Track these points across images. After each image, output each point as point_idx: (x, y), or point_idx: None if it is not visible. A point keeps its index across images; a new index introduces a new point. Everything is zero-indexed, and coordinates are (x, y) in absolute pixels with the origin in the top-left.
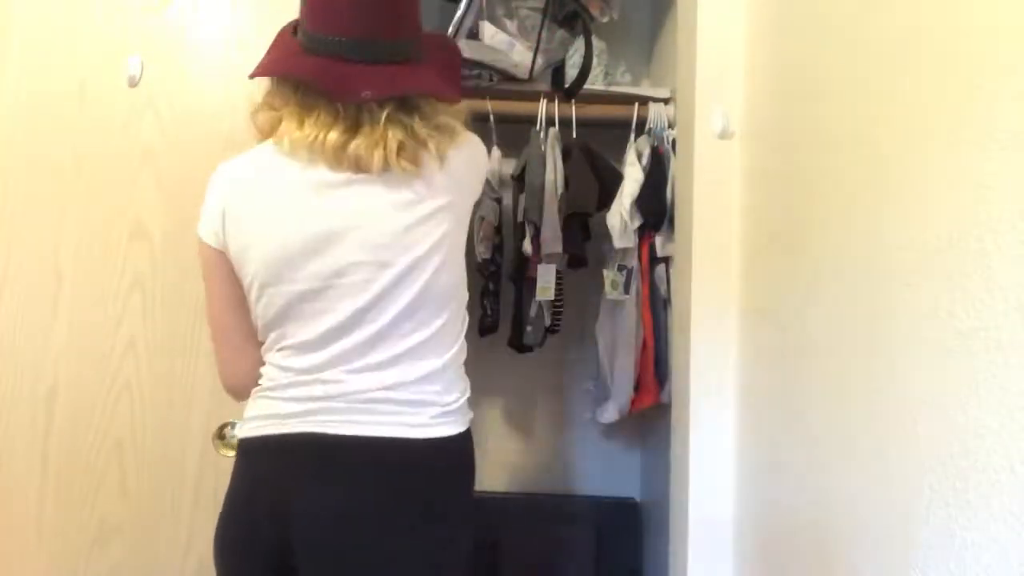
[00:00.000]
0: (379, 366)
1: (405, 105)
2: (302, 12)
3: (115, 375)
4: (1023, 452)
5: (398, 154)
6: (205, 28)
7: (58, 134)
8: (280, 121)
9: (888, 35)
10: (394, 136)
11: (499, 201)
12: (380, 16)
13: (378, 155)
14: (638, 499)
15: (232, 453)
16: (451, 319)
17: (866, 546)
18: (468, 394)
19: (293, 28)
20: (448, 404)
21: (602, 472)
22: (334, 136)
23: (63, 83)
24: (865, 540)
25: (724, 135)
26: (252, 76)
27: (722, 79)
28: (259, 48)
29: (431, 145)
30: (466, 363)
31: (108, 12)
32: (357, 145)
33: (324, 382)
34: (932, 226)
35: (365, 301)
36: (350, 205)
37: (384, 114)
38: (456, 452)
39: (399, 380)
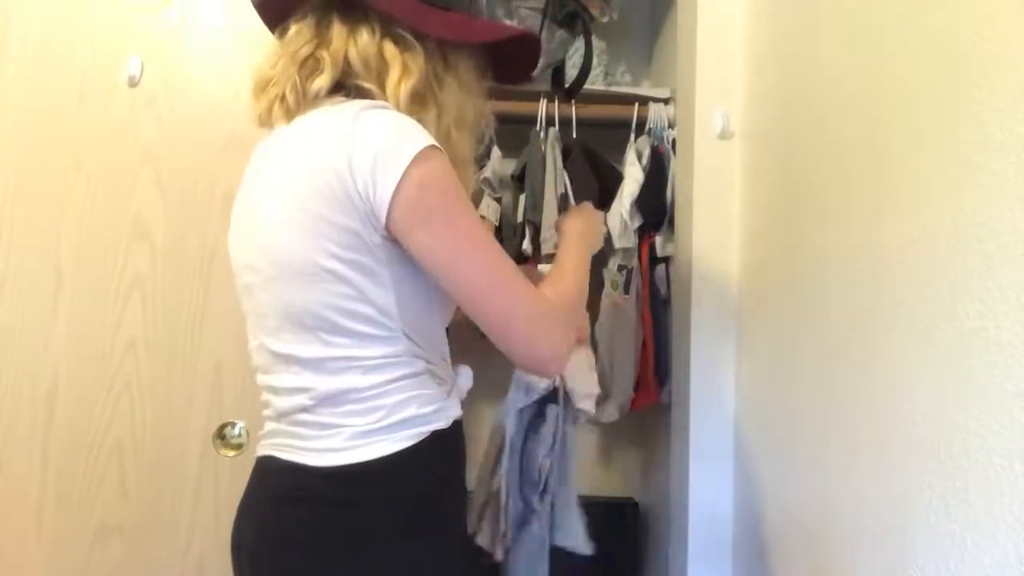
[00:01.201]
0: (283, 394)
1: (319, 26)
2: None
3: (115, 375)
4: (1023, 452)
5: (279, 100)
6: (205, 28)
7: (58, 134)
8: None
9: (888, 35)
10: (279, 66)
11: (499, 201)
12: None
13: (264, 97)
14: (638, 499)
15: (232, 453)
16: (342, 340)
17: (866, 546)
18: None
19: None
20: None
21: (602, 472)
22: (260, 65)
23: (63, 83)
24: (865, 540)
25: (724, 135)
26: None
27: (722, 79)
28: (260, 47)
29: (287, 84)
30: (466, 363)
31: (108, 12)
32: (262, 77)
33: (268, 406)
34: (932, 226)
35: (254, 311)
36: (249, 182)
37: (288, 35)
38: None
39: (297, 405)
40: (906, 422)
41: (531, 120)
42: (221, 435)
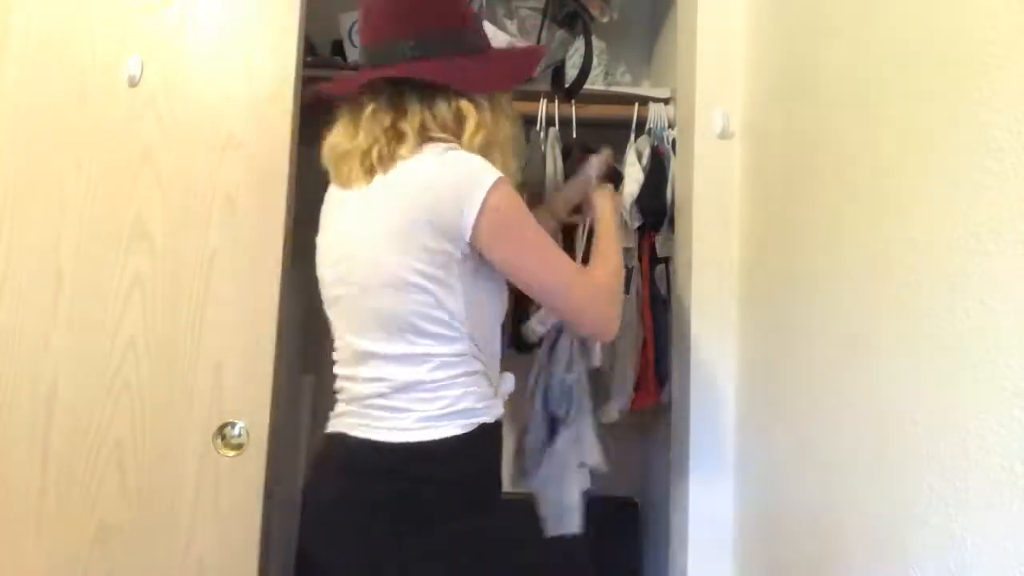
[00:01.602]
0: (363, 384)
1: (392, 102)
2: None
3: (115, 375)
4: (1023, 452)
5: (362, 158)
6: (205, 28)
7: (58, 134)
8: None
9: (888, 35)
10: (365, 139)
11: None
12: (393, 17)
13: (353, 161)
14: (638, 499)
15: (232, 453)
16: (422, 340)
17: (866, 546)
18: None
19: None
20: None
21: (602, 472)
22: (337, 140)
23: (63, 83)
24: (865, 540)
25: (724, 135)
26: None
27: (722, 79)
28: (259, 47)
29: (373, 150)
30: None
31: (108, 12)
32: (344, 150)
33: (344, 391)
34: (932, 226)
35: (345, 318)
36: (339, 219)
37: (366, 113)
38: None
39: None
40: (906, 422)
41: (532, 120)
42: (221, 435)
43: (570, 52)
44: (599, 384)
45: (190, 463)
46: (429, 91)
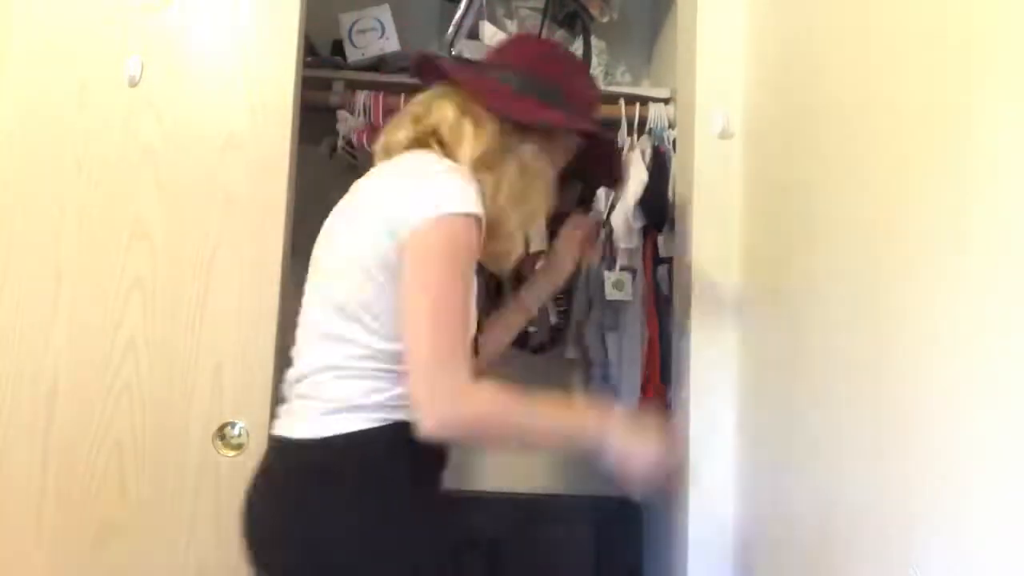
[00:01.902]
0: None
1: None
2: None
3: (115, 375)
4: (1023, 452)
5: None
6: (205, 28)
7: (58, 134)
8: None
9: (888, 34)
10: (425, 120)
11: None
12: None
13: (399, 135)
14: (638, 499)
15: (232, 453)
16: (350, 324)
17: (866, 546)
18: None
19: None
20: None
21: (602, 472)
22: (391, 123)
23: (63, 83)
24: (865, 541)
25: (724, 135)
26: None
27: (722, 79)
28: (259, 47)
29: (380, 139)
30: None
31: (108, 12)
32: (396, 128)
33: None
34: (932, 225)
35: None
36: (349, 201)
37: (436, 104)
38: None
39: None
40: (906, 422)
41: None
42: (221, 435)
43: None
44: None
45: (190, 463)
46: (463, 98)
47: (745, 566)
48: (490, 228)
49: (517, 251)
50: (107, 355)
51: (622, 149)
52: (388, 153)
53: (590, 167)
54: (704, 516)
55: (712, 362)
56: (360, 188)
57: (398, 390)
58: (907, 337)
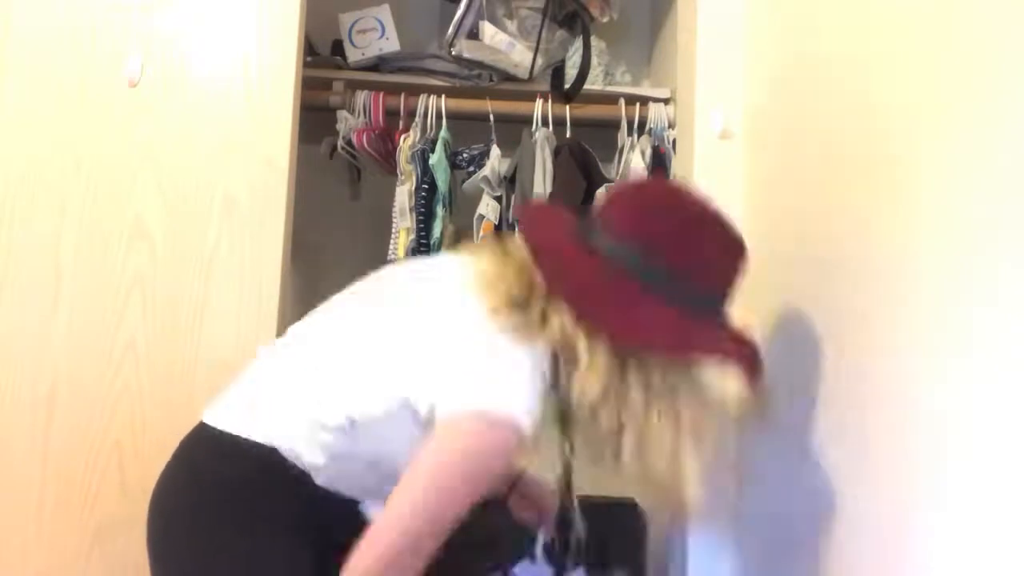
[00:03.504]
0: None
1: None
2: None
3: (115, 375)
4: (1023, 451)
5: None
6: (205, 28)
7: (58, 134)
8: None
9: (888, 34)
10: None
11: (499, 200)
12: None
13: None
14: (638, 499)
15: None
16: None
17: (866, 546)
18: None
19: None
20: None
21: (602, 472)
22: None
23: (63, 83)
24: (865, 540)
25: (724, 135)
26: None
27: (722, 79)
28: (259, 48)
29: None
30: None
31: (108, 12)
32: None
33: None
34: (932, 225)
35: None
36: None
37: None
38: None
39: None
40: (906, 422)
41: (531, 120)
42: None
43: (570, 52)
44: None
45: None
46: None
47: (745, 566)
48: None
49: (688, 494)
50: (107, 355)
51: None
52: None
53: None
54: (704, 516)
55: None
56: (448, 298)
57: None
58: (907, 336)
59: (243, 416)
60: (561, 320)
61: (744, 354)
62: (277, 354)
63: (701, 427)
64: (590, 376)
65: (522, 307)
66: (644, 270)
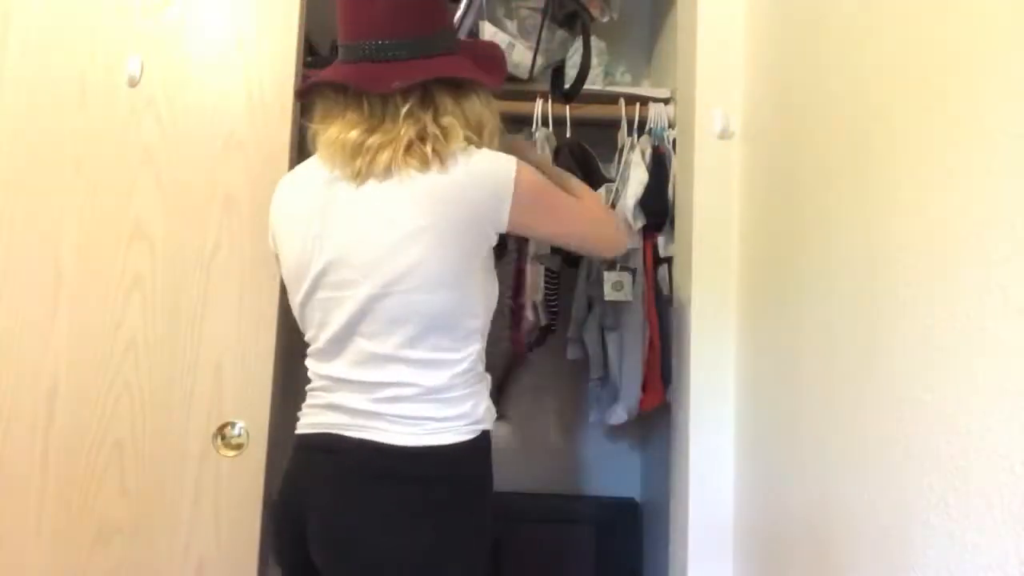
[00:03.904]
0: (369, 387)
1: (425, 100)
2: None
3: (115, 375)
4: (1023, 452)
5: (405, 152)
6: (205, 28)
7: (58, 134)
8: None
9: (887, 35)
10: (406, 133)
11: None
12: (407, 15)
13: (386, 155)
14: (638, 499)
15: (232, 453)
16: (444, 342)
17: (866, 546)
18: (477, 410)
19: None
20: (445, 419)
21: (603, 472)
22: (354, 134)
23: (63, 83)
24: (865, 540)
25: (724, 135)
26: (297, 93)
27: (722, 79)
28: (259, 48)
29: (427, 146)
30: None
31: (108, 12)
32: (371, 143)
33: (333, 391)
34: (932, 225)
35: (350, 315)
36: (353, 213)
37: (405, 109)
38: (447, 461)
39: (392, 396)
40: (906, 422)
41: (527, 120)
42: (221, 435)
43: (570, 52)
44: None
45: (190, 463)
46: (457, 89)
47: (745, 566)
48: None
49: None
50: (107, 355)
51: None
52: (388, 172)
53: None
54: (704, 516)
55: (712, 362)
56: (401, 200)
57: (486, 403)
58: (906, 337)
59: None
60: (445, 102)
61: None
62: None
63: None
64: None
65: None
66: (435, 43)
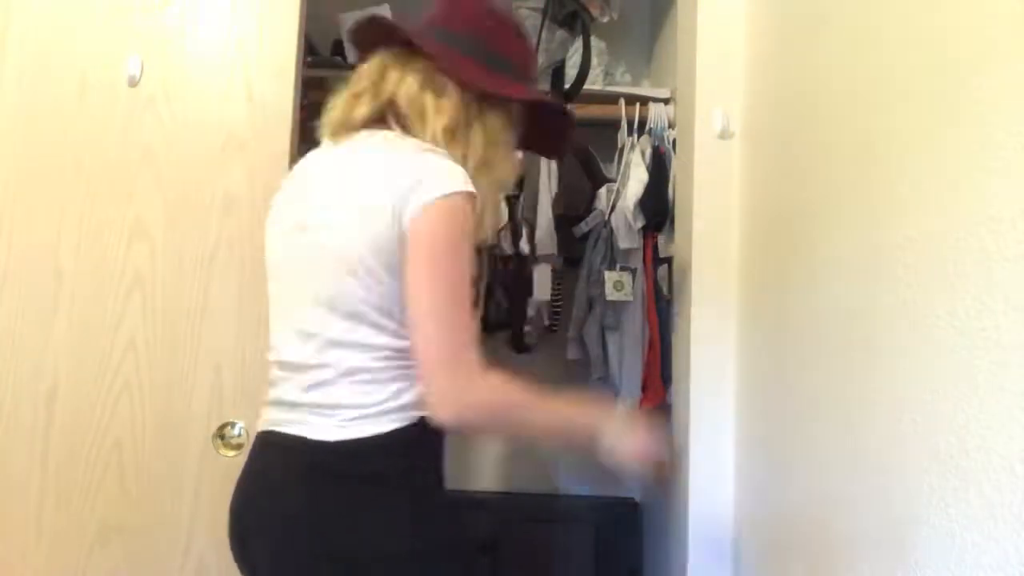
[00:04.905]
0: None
1: (409, 70)
2: None
3: (115, 375)
4: (1023, 452)
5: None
6: (205, 28)
7: (58, 134)
8: None
9: (887, 34)
10: (382, 93)
11: (506, 200)
12: (449, 14)
13: (359, 111)
14: (638, 499)
15: (232, 453)
16: (364, 328)
17: (866, 546)
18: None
19: None
20: (362, 406)
21: (602, 472)
22: (343, 98)
23: (63, 83)
24: (865, 540)
25: (724, 135)
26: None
27: (722, 79)
28: (259, 48)
29: (333, 114)
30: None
31: (108, 12)
32: (353, 103)
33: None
34: (932, 225)
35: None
36: (323, 187)
37: (392, 74)
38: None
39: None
40: (906, 422)
41: None
42: (221, 435)
43: (570, 52)
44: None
45: (190, 463)
46: (422, 66)
47: (745, 565)
48: None
49: (489, 222)
50: (107, 355)
51: (568, 116)
52: (347, 130)
53: (533, 135)
54: (704, 516)
55: (712, 362)
56: (328, 173)
57: (418, 388)
58: (907, 336)
59: (354, 419)
60: (409, 85)
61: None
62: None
63: (510, 172)
64: (438, 115)
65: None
66: (469, 47)
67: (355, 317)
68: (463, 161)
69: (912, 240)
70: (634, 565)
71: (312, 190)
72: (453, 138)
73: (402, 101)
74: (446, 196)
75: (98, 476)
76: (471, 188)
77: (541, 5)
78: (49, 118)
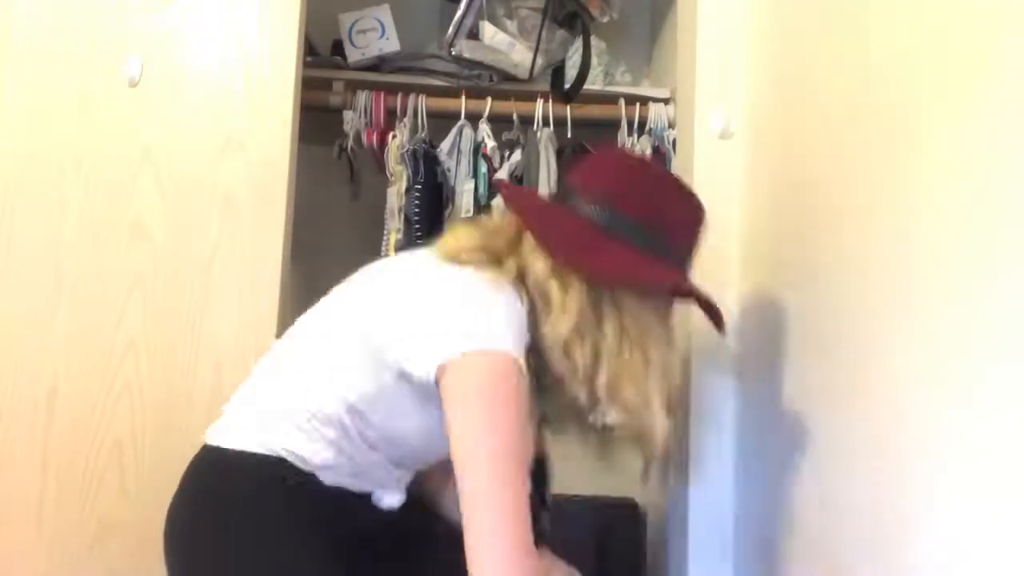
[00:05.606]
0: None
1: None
2: None
3: (115, 375)
4: (1023, 452)
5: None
6: (205, 28)
7: (58, 134)
8: None
9: (888, 34)
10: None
11: None
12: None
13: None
14: (638, 499)
15: None
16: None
17: (865, 546)
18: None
19: None
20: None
21: (602, 472)
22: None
23: (63, 83)
24: (865, 540)
25: (724, 135)
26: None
27: (722, 79)
28: (259, 48)
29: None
30: None
31: (108, 12)
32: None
33: None
34: (932, 225)
35: None
36: None
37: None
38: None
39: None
40: (906, 422)
41: (532, 120)
42: None
43: (570, 52)
44: None
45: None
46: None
47: (745, 566)
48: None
49: (659, 425)
50: (107, 355)
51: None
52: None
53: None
54: (704, 516)
55: (711, 362)
56: (409, 275)
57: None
58: (906, 336)
59: (243, 430)
60: (536, 268)
61: (705, 295)
62: (266, 364)
63: (668, 364)
64: (562, 316)
65: (494, 261)
66: (616, 223)
67: (339, 398)
68: (593, 376)
69: (913, 240)
70: (634, 565)
71: (380, 278)
72: (579, 336)
73: (529, 281)
74: (490, 357)
75: (98, 476)
76: (517, 354)
77: (541, 5)
78: (49, 118)
